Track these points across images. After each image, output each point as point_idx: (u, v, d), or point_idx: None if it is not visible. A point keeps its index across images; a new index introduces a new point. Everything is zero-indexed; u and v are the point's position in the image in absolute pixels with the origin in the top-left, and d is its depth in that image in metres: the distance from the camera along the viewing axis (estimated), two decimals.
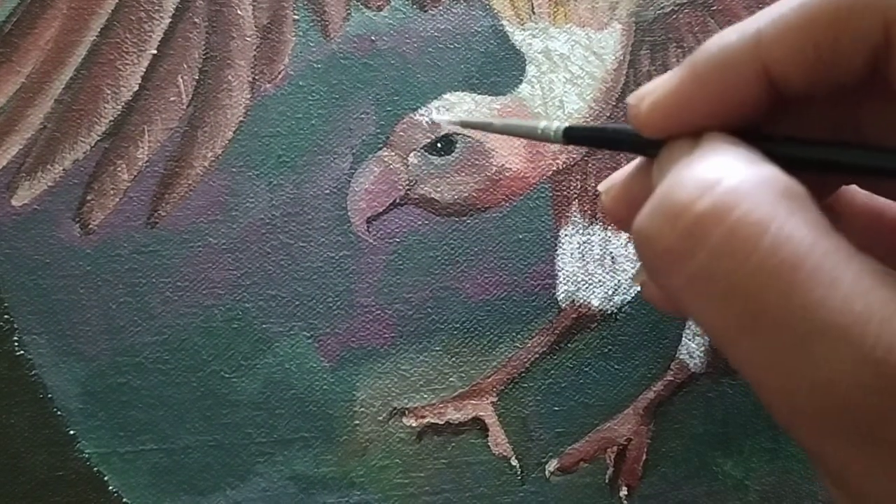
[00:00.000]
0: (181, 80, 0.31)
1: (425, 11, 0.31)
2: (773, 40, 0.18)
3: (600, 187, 0.22)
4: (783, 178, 0.17)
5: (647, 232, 0.17)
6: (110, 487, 0.29)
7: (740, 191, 0.16)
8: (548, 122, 0.22)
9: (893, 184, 0.21)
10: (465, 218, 0.31)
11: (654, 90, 0.20)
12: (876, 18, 0.17)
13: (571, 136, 0.22)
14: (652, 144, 0.20)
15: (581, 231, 0.31)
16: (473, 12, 0.32)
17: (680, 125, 0.19)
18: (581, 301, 0.30)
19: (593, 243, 0.31)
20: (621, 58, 0.32)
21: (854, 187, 0.22)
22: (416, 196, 0.31)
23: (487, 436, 0.30)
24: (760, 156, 0.18)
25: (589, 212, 0.31)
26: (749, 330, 0.16)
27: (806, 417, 0.16)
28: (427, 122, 0.31)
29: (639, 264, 0.30)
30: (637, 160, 0.22)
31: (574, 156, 0.31)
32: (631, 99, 0.20)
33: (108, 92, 0.30)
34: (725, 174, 0.16)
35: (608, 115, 0.31)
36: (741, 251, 0.15)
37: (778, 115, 0.19)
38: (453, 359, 0.30)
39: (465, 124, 0.29)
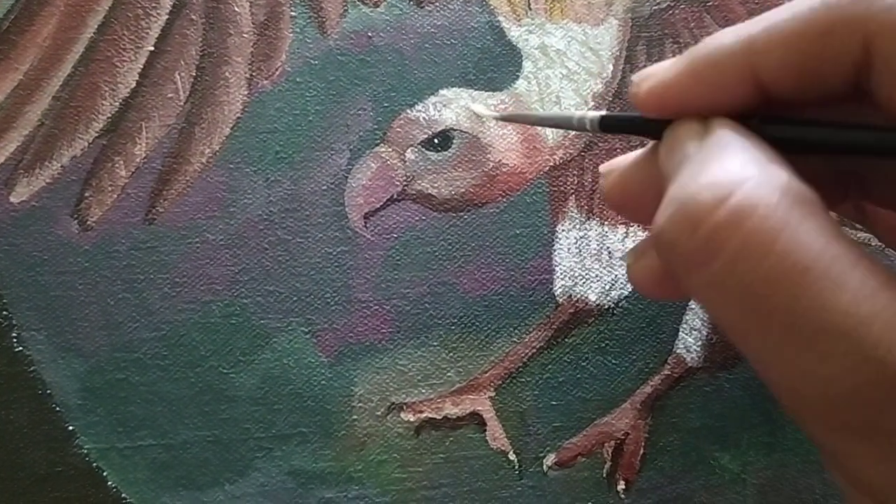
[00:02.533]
0: (178, 77, 0.31)
1: (422, 7, 0.32)
2: (764, 47, 0.19)
3: (601, 169, 0.23)
4: (795, 183, 0.18)
5: (668, 237, 0.18)
6: (109, 483, 0.29)
7: (755, 199, 0.17)
8: (583, 112, 0.23)
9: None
10: (462, 213, 0.31)
11: (654, 74, 0.21)
12: (856, 34, 0.18)
13: (607, 124, 0.23)
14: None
15: (578, 226, 0.31)
16: (470, 8, 0.32)
17: (677, 110, 0.20)
18: (578, 296, 0.30)
19: (590, 238, 0.31)
20: (617, 53, 0.32)
21: None
22: (414, 192, 0.31)
23: (485, 430, 0.30)
24: (770, 153, 0.18)
25: (586, 207, 0.31)
26: (761, 329, 0.17)
27: (813, 410, 0.17)
28: (424, 119, 0.31)
29: (629, 248, 0.30)
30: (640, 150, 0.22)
31: (570, 151, 0.31)
32: (634, 77, 0.21)
33: (106, 89, 0.30)
34: (740, 180, 0.17)
35: (604, 110, 0.31)
36: (755, 257, 0.17)
37: (772, 107, 0.20)
38: (451, 354, 0.30)
39: (506, 118, 0.29)
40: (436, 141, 0.31)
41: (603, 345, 0.30)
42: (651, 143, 0.22)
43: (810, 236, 0.17)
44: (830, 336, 0.16)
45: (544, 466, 0.30)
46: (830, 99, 0.20)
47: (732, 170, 0.18)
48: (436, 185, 0.31)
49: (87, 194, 0.30)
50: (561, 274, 0.30)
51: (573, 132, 0.31)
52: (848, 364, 0.16)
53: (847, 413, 0.16)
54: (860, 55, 0.18)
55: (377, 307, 0.30)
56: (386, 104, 0.31)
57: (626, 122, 0.24)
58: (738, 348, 0.18)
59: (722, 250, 0.17)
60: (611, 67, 0.32)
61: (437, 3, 0.32)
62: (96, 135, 0.30)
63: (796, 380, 0.17)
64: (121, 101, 0.30)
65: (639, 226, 0.31)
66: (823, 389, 0.16)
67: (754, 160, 0.18)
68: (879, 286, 0.16)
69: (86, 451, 0.29)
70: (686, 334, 0.30)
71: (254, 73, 0.31)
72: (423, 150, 0.31)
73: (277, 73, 0.31)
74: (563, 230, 0.31)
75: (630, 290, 0.30)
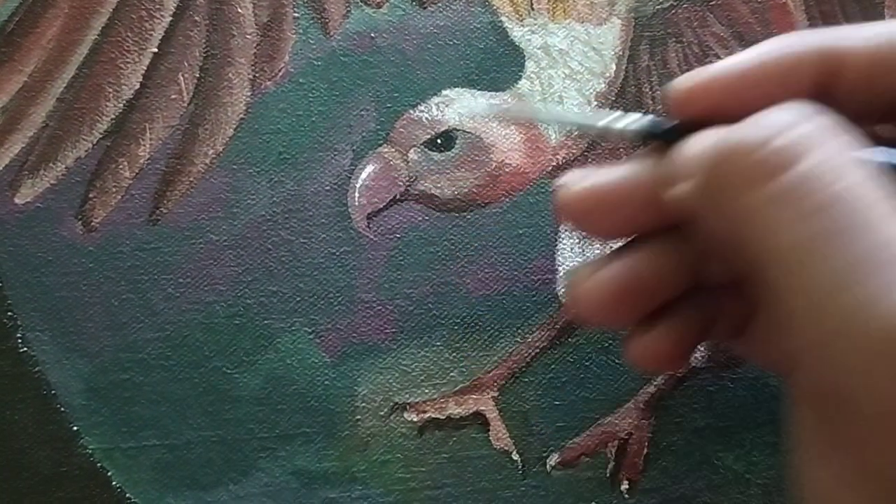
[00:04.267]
0: (182, 78, 0.31)
1: (424, 8, 0.32)
2: (846, 41, 0.19)
3: (564, 180, 0.22)
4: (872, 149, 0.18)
5: (743, 142, 0.17)
6: (114, 483, 0.29)
7: (838, 125, 0.17)
8: (619, 116, 0.22)
9: None
10: (465, 213, 0.31)
11: (705, 70, 0.20)
12: None
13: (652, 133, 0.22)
14: None
15: None
16: (472, 9, 0.32)
17: (726, 106, 0.19)
18: None
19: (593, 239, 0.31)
20: (620, 53, 0.32)
21: None
22: (417, 192, 0.31)
23: (488, 430, 0.30)
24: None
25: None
26: (827, 245, 0.16)
27: (869, 345, 0.15)
28: (427, 119, 0.31)
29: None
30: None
31: (573, 151, 0.31)
32: (679, 80, 0.21)
33: (110, 90, 0.31)
34: (819, 114, 0.17)
35: (608, 109, 0.31)
36: (837, 171, 0.16)
37: None
38: (454, 354, 0.30)
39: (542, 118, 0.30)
40: (439, 141, 0.31)
41: (606, 344, 0.30)
42: (639, 152, 0.22)
43: (881, 188, 0.16)
44: None
45: (548, 466, 0.30)
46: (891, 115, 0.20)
47: (807, 108, 0.18)
48: (439, 185, 0.31)
49: (91, 195, 0.30)
50: (564, 274, 0.31)
51: (576, 132, 0.31)
52: None
53: None
54: None
55: (380, 307, 0.30)
56: (389, 105, 0.31)
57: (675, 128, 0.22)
58: (777, 278, 0.17)
59: (800, 161, 0.16)
60: (614, 67, 0.32)
61: (440, 4, 0.32)
62: (100, 136, 0.30)
63: (858, 309, 0.15)
64: (124, 102, 0.30)
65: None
66: (882, 325, 0.15)
67: (827, 116, 0.18)
68: None
69: (90, 452, 0.29)
70: None
71: (257, 75, 0.31)
72: (426, 150, 0.31)
73: (280, 74, 0.31)
74: (566, 230, 0.31)
75: None
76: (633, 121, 0.22)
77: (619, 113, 0.23)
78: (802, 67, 0.19)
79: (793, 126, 0.17)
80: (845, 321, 0.16)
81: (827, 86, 0.19)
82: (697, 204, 0.19)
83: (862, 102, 0.19)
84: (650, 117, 0.22)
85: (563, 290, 0.31)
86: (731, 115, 0.19)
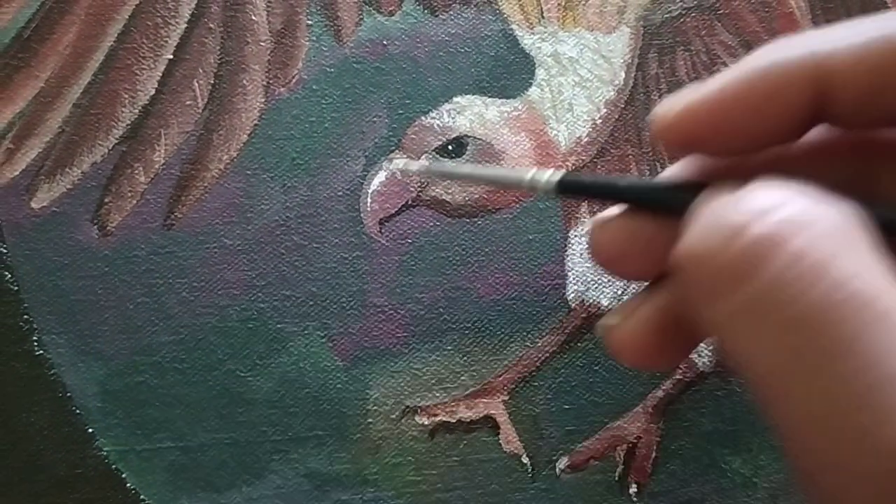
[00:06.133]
0: (197, 85, 0.31)
1: (436, 16, 0.32)
2: (837, 52, 0.17)
3: (593, 221, 0.21)
4: (855, 211, 0.15)
5: (697, 252, 0.15)
6: (128, 484, 0.29)
7: (807, 215, 0.14)
8: (536, 171, 0.21)
9: None
10: (475, 219, 0.31)
11: (686, 95, 0.18)
12: None
13: (568, 187, 0.20)
14: (665, 198, 0.18)
15: None
16: (483, 17, 0.32)
17: (714, 137, 0.18)
18: (591, 301, 0.31)
19: None
20: (629, 61, 0.32)
21: None
22: (428, 198, 0.31)
23: (499, 434, 0.30)
24: (825, 191, 0.16)
25: (598, 213, 0.31)
26: (805, 373, 0.14)
27: (864, 488, 0.13)
28: (438, 125, 0.31)
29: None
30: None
31: (583, 158, 0.31)
32: (658, 108, 0.19)
33: (126, 96, 0.31)
34: (790, 199, 0.15)
35: (616, 117, 0.32)
36: (804, 279, 0.14)
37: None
38: (465, 358, 0.30)
39: (443, 174, 0.29)
40: (450, 147, 0.31)
41: None
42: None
43: (871, 270, 0.14)
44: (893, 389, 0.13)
45: (557, 469, 0.30)
46: (887, 126, 0.17)
47: (779, 192, 0.15)
48: (450, 190, 0.31)
49: (106, 200, 0.30)
50: (574, 279, 0.31)
51: (585, 138, 0.31)
52: None
53: None
54: None
55: (392, 312, 0.30)
56: (401, 111, 0.31)
57: (592, 185, 0.21)
58: (763, 395, 0.15)
59: (762, 268, 0.14)
60: (623, 75, 0.32)
61: (452, 12, 0.32)
62: (116, 141, 0.31)
63: (847, 445, 0.13)
64: (140, 108, 0.31)
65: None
66: (881, 457, 0.13)
67: (805, 189, 0.15)
68: None
69: (105, 454, 0.29)
70: None
71: (271, 81, 0.31)
72: (438, 156, 0.31)
73: (294, 80, 0.31)
74: (575, 235, 0.31)
75: None
76: (550, 176, 0.20)
77: (535, 170, 0.21)
78: (791, 86, 0.17)
79: (757, 218, 0.14)
80: (836, 460, 0.14)
81: (820, 101, 0.17)
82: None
83: (860, 114, 0.17)
84: (562, 172, 0.21)
85: (572, 294, 0.31)
86: (719, 141, 0.18)
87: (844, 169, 0.19)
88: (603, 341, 0.21)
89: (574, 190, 0.21)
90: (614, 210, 0.20)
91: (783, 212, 0.14)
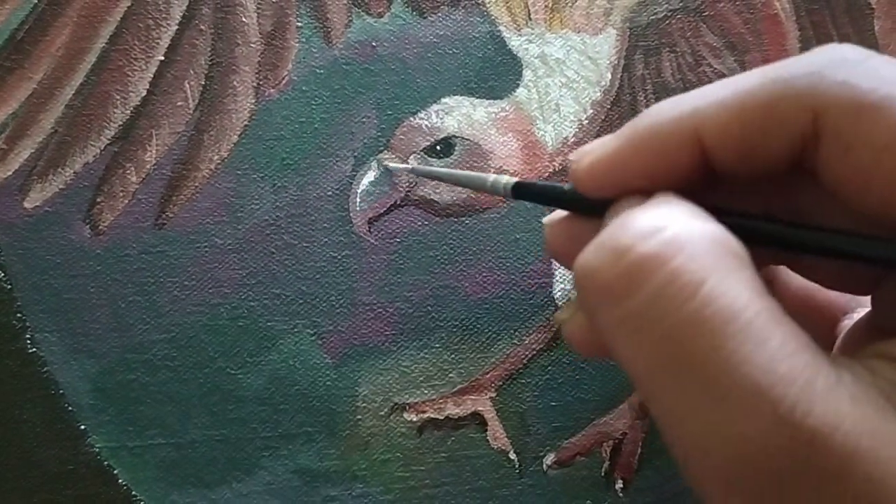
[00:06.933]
0: (188, 86, 0.31)
1: (425, 18, 0.32)
2: (710, 116, 0.18)
3: (545, 220, 0.23)
4: (727, 235, 0.17)
5: (589, 266, 0.17)
6: (120, 481, 0.30)
7: (684, 238, 0.16)
8: (497, 176, 0.23)
9: (811, 261, 0.21)
10: (463, 218, 0.31)
11: (593, 150, 0.20)
12: (804, 110, 0.17)
13: (520, 192, 0.22)
14: (597, 206, 0.20)
15: None
16: (471, 18, 0.32)
17: (616, 186, 0.20)
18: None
19: None
20: (616, 62, 0.33)
21: (788, 270, 0.23)
22: (416, 197, 0.31)
23: (486, 430, 0.30)
24: (707, 214, 0.18)
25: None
26: (674, 376, 0.16)
27: (715, 472, 0.16)
28: (427, 126, 0.32)
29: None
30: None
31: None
32: (573, 156, 0.21)
33: (117, 97, 0.31)
34: (672, 221, 0.17)
35: (603, 117, 0.32)
36: (678, 297, 0.16)
37: (717, 185, 0.20)
38: (453, 355, 0.31)
39: (419, 172, 0.30)
40: (438, 148, 0.31)
41: None
42: None
43: (737, 287, 0.16)
44: (747, 393, 0.15)
45: (544, 465, 0.30)
46: (776, 174, 0.19)
47: (665, 214, 0.17)
48: (438, 190, 0.31)
49: (98, 200, 0.31)
50: (560, 278, 0.31)
51: (572, 139, 0.32)
52: (762, 424, 0.15)
53: (753, 479, 0.15)
54: (807, 129, 0.17)
55: (381, 310, 0.31)
56: (389, 112, 0.32)
57: (541, 190, 0.23)
58: (643, 397, 0.17)
59: (644, 284, 0.16)
60: (609, 76, 0.32)
61: (440, 14, 0.32)
62: (108, 142, 0.31)
63: (702, 435, 0.16)
64: (132, 109, 0.31)
65: None
66: (730, 449, 0.15)
67: (690, 211, 0.18)
68: (800, 347, 0.16)
69: (97, 450, 0.30)
70: None
71: (261, 82, 0.32)
72: (426, 156, 0.31)
73: (284, 81, 0.32)
74: None
75: None
76: (507, 181, 0.23)
77: (495, 175, 0.24)
78: (673, 147, 0.19)
79: (641, 240, 0.16)
80: (696, 449, 0.16)
81: (702, 156, 0.19)
82: None
83: (740, 166, 0.19)
84: (515, 180, 0.23)
85: (559, 293, 0.31)
86: (622, 190, 0.19)
87: (765, 192, 0.21)
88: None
89: (526, 195, 0.23)
90: (562, 212, 0.22)
91: (664, 234, 0.16)
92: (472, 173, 0.27)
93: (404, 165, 0.31)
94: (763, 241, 0.19)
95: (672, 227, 0.17)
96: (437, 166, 0.31)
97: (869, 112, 0.17)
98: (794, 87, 0.17)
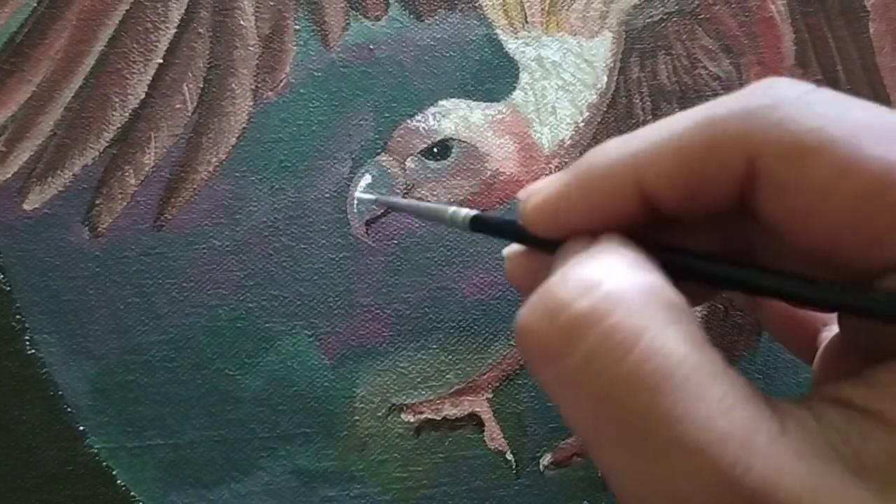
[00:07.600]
0: (186, 88, 0.32)
1: (422, 21, 0.33)
2: (648, 161, 0.18)
3: (504, 252, 0.22)
4: (664, 287, 0.17)
5: (526, 324, 0.17)
6: (118, 481, 0.30)
7: (619, 295, 0.16)
8: (455, 209, 0.23)
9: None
10: None
11: (539, 190, 0.20)
12: (740, 150, 0.17)
13: (477, 225, 0.22)
14: (550, 244, 0.20)
15: None
16: (468, 21, 0.33)
17: (561, 226, 0.20)
18: None
19: None
20: (612, 65, 0.33)
21: None
22: (414, 199, 0.31)
23: (483, 431, 0.31)
24: (648, 262, 0.18)
25: None
26: (613, 434, 0.16)
27: None
28: (423, 128, 0.32)
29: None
30: None
31: (566, 160, 0.32)
32: (520, 194, 0.20)
33: (116, 100, 0.31)
34: (608, 277, 0.17)
35: (599, 120, 0.32)
36: (614, 355, 0.15)
37: (665, 224, 0.20)
38: (450, 356, 0.31)
39: (384, 203, 0.31)
40: (435, 150, 0.32)
41: None
42: None
43: (674, 342, 0.16)
44: (685, 450, 0.15)
45: (541, 466, 0.30)
46: (718, 212, 0.19)
47: (601, 268, 0.17)
48: (435, 192, 0.31)
49: (97, 202, 0.31)
50: None
51: (568, 141, 0.32)
52: (701, 482, 0.15)
53: None
54: (744, 172, 0.17)
55: (378, 311, 0.31)
56: (387, 114, 0.32)
57: (498, 224, 0.23)
58: (588, 454, 0.17)
59: (580, 343, 0.16)
60: (605, 78, 0.33)
61: (437, 17, 0.33)
62: (107, 144, 0.31)
63: (644, 493, 0.16)
64: (130, 111, 0.31)
65: None
66: None
67: (627, 263, 0.17)
68: (740, 401, 0.15)
69: (96, 451, 0.30)
70: None
71: (259, 85, 0.32)
72: (423, 158, 0.32)
73: (282, 84, 0.32)
74: None
75: None
76: (465, 215, 0.23)
77: (455, 207, 0.23)
78: (615, 192, 0.19)
79: (577, 298, 0.16)
80: (639, 500, 0.16)
81: (645, 202, 0.19)
82: None
83: (683, 208, 0.19)
84: (474, 213, 0.23)
85: None
86: (568, 231, 0.19)
87: (712, 232, 0.21)
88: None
89: (483, 228, 0.23)
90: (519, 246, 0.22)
91: (599, 291, 0.16)
92: (433, 205, 0.26)
93: (369, 196, 0.31)
94: (707, 280, 0.19)
95: (607, 283, 0.16)
96: (434, 168, 0.31)
97: (803, 155, 0.16)
98: (728, 131, 0.17)
